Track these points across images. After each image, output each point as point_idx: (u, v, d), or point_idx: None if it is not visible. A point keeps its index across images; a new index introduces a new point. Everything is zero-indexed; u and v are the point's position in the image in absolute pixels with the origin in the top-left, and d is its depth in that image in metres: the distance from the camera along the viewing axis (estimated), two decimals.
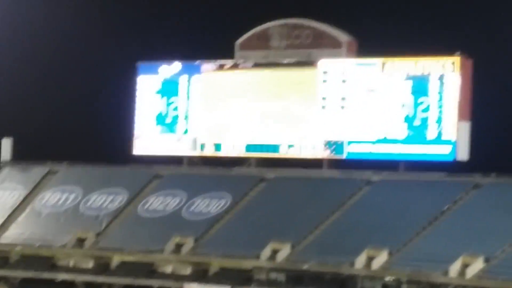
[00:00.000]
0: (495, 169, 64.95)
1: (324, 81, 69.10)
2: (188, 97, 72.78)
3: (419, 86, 66.94)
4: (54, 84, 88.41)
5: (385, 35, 73.09)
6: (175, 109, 73.21)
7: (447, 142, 66.06)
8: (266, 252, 63.38)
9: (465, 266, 57.15)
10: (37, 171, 75.53)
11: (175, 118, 73.15)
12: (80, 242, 68.30)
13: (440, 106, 66.28)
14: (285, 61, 69.86)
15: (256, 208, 68.65)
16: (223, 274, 64.44)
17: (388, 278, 60.06)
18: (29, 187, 74.30)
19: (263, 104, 71.13)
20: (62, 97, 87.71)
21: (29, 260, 69.36)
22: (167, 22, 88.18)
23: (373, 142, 68.11)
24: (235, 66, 71.77)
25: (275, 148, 70.61)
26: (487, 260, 57.30)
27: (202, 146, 72.28)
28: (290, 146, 70.11)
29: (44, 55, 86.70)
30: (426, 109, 66.80)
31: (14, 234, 71.15)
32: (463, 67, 65.94)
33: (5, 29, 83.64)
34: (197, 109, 72.53)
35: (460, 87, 65.91)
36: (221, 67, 72.41)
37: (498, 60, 73.35)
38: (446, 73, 65.99)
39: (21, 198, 73.59)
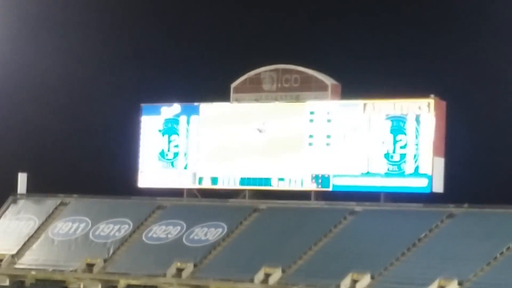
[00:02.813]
0: (467, 200, 65.13)
1: (311, 120, 69.18)
2: (187, 135, 72.89)
3: (397, 125, 66.94)
4: (66, 123, 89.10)
5: (366, 78, 73.51)
6: (176, 146, 73.26)
7: (424, 175, 66.12)
8: (259, 276, 63.21)
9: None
10: (50, 202, 75.38)
11: (176, 154, 73.15)
12: (89, 267, 68.03)
13: (417, 144, 66.39)
14: (276, 102, 69.97)
15: (249, 236, 68.54)
16: None
17: None
18: (42, 217, 74.20)
19: (256, 142, 71.19)
20: (73, 135, 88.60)
21: (43, 283, 69.68)
22: (168, 66, 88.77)
23: (357, 176, 68.12)
24: (230, 108, 71.95)
25: (267, 181, 70.64)
26: (460, 283, 57.43)
27: (200, 180, 72.23)
28: (280, 179, 70.14)
29: (58, 97, 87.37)
30: (404, 146, 66.80)
31: (29, 260, 70.96)
32: (437, 108, 66.09)
33: (21, 74, 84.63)
34: (196, 146, 72.66)
35: (435, 126, 65.93)
36: (217, 108, 72.59)
37: (470, 101, 73.98)
38: (422, 114, 66.14)
39: (36, 227, 73.43)
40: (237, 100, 71.10)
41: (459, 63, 79.37)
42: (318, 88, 69.41)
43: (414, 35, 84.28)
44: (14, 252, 70.83)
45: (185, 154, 72.61)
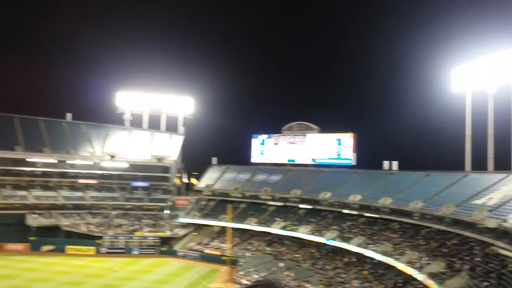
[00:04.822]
0: (362, 167, 76.21)
1: (309, 141, 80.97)
2: (268, 146, 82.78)
3: (339, 142, 79.47)
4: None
5: (329, 125, 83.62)
6: (263, 149, 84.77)
7: (349, 159, 78.57)
8: (293, 192, 74.83)
9: (354, 198, 66.68)
10: (222, 168, 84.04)
11: (263, 152, 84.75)
12: (237, 188, 77.28)
13: (346, 149, 77.80)
14: (296, 135, 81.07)
15: (289, 180, 79.74)
16: (280, 200, 75.33)
17: (330, 201, 69.57)
18: (222, 173, 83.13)
19: (291, 149, 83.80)
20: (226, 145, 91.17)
21: (221, 194, 79.59)
22: (260, 118, 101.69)
23: (325, 159, 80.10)
24: (281, 138, 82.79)
25: (294, 160, 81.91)
26: (361, 196, 66.85)
27: (272, 160, 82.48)
28: (298, 160, 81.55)
29: (224, 125, 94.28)
30: (340, 149, 79.53)
31: (217, 186, 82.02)
32: (353, 137, 77.30)
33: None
34: (270, 150, 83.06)
35: (352, 143, 76.56)
36: (277, 137, 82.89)
37: (366, 133, 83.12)
38: (347, 139, 78.05)
39: (218, 176, 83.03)
40: (284, 134, 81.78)
41: (361, 117, 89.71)
42: (312, 130, 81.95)
43: (346, 109, 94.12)
44: (211, 183, 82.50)
45: (267, 153, 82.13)
